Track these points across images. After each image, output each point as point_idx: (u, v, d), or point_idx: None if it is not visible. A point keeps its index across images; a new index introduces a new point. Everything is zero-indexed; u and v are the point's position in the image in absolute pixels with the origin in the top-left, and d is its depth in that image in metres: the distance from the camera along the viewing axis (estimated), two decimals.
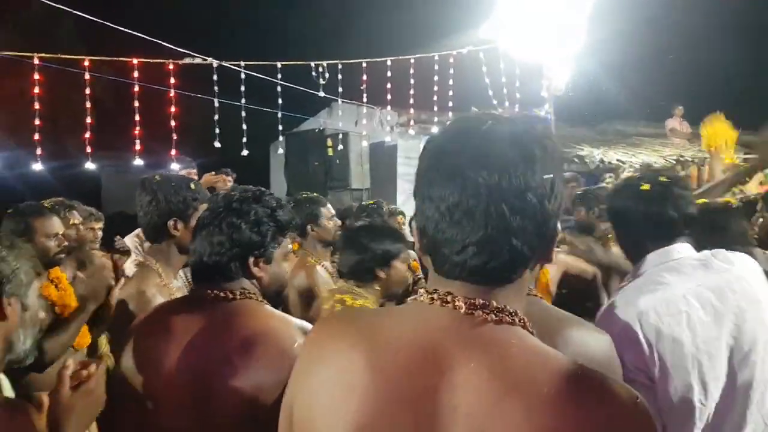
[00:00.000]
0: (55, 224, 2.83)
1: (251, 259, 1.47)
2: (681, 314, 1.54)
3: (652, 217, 1.65)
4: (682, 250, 1.66)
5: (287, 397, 0.93)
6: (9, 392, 1.64)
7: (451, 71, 7.60)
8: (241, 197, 1.50)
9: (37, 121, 5.94)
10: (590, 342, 1.21)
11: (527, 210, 0.78)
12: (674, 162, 9.71)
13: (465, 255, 0.80)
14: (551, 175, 0.80)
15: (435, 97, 7.67)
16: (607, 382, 0.78)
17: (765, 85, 13.53)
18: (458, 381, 0.77)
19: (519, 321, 0.82)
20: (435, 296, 0.83)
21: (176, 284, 2.11)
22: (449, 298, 0.82)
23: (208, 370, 1.33)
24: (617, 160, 9.57)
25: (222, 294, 1.44)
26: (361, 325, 0.88)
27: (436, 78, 7.56)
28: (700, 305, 1.55)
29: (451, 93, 7.69)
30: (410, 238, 2.93)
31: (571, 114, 9.74)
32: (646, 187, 1.66)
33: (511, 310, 0.82)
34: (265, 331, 1.36)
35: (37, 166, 6.02)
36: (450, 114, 7.95)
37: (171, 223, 2.07)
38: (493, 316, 0.81)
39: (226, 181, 4.39)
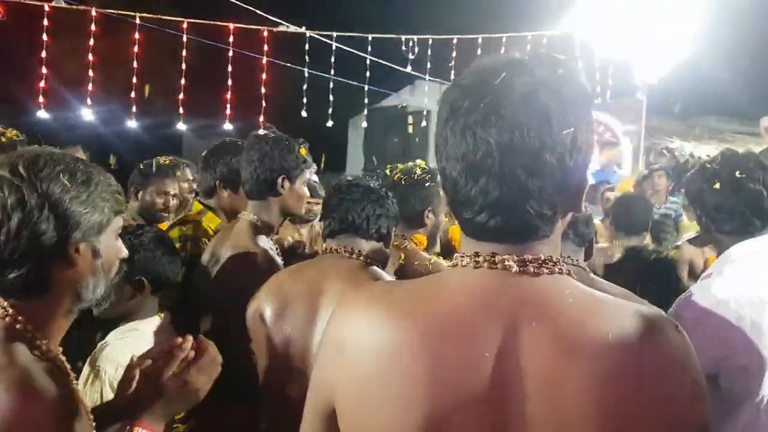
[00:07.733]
0: (167, 183, 2.94)
1: None
2: (764, 304, 1.49)
3: (751, 203, 1.58)
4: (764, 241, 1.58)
5: (320, 382, 0.84)
6: None
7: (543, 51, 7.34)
8: None
9: (134, 80, 6.11)
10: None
11: (545, 171, 0.73)
12: None
13: (483, 217, 0.76)
14: (571, 129, 0.73)
15: None
16: (660, 320, 0.76)
17: None
18: (523, 341, 0.73)
19: (565, 270, 0.79)
20: (479, 259, 0.78)
21: (268, 244, 2.01)
22: (497, 259, 0.77)
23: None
24: (707, 155, 9.12)
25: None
26: (409, 297, 0.81)
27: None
28: None
29: None
30: None
31: (663, 105, 9.31)
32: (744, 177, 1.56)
33: (556, 260, 0.78)
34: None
35: (131, 123, 6.24)
36: None
37: (280, 180, 2.02)
38: (545, 269, 0.76)
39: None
